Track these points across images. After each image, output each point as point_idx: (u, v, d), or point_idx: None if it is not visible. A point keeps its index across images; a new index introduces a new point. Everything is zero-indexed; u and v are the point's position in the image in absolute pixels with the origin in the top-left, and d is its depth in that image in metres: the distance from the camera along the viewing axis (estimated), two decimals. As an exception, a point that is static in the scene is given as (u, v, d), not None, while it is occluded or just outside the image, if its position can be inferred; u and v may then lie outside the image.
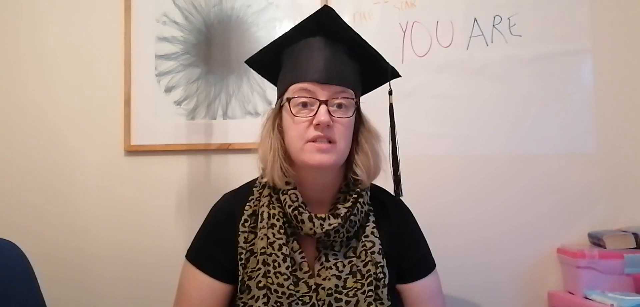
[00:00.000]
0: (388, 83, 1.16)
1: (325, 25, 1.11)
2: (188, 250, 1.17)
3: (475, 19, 1.74)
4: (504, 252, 1.69)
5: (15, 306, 1.16)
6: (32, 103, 1.75)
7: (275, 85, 1.19)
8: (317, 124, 1.05)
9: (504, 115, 1.72)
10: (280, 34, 1.15)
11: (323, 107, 1.06)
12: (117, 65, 1.73)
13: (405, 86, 1.61)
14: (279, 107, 1.13)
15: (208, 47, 1.74)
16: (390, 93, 1.17)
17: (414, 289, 1.17)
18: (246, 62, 1.21)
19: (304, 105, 1.07)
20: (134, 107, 1.72)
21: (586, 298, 1.51)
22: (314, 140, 1.06)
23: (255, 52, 1.20)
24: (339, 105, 1.08)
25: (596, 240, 1.63)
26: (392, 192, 1.19)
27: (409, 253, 1.18)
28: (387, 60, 1.17)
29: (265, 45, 1.17)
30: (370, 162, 1.12)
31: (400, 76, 1.19)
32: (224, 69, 1.73)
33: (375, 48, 1.15)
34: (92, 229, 1.72)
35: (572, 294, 1.59)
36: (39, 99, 1.75)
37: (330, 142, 1.07)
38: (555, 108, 1.72)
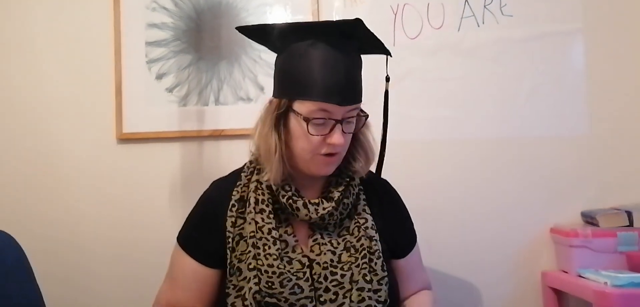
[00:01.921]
0: (385, 68, 1.17)
1: (353, 36, 1.09)
2: (179, 232, 1.19)
3: (466, 0, 1.73)
4: (497, 233, 1.70)
5: (12, 296, 1.16)
6: (21, 93, 1.73)
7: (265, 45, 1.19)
8: (331, 143, 1.07)
9: (495, 97, 1.72)
10: (292, 22, 1.12)
11: (339, 128, 1.07)
12: (107, 53, 1.72)
13: (397, 70, 1.61)
14: (286, 108, 1.10)
15: (198, 33, 1.73)
16: (387, 79, 1.17)
17: (408, 262, 1.22)
18: (240, 28, 1.19)
19: (319, 124, 1.07)
20: (125, 94, 1.71)
21: (580, 276, 1.52)
22: (325, 154, 1.08)
23: (245, 36, 1.21)
24: (350, 121, 1.10)
25: (589, 219, 1.64)
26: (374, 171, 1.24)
27: (398, 230, 1.22)
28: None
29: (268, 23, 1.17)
30: (369, 156, 1.17)
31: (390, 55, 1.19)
32: (214, 55, 1.72)
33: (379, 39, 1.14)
34: (85, 217, 1.71)
35: (566, 272, 1.60)
36: (28, 88, 1.73)
37: (338, 153, 1.10)
38: (547, 89, 1.72)
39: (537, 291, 1.69)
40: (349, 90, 1.07)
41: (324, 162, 1.09)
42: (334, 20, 1.08)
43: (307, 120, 1.06)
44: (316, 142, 1.07)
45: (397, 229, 1.21)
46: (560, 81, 1.72)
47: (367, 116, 1.15)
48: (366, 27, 1.08)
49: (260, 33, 1.19)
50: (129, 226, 1.71)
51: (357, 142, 1.16)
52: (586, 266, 1.53)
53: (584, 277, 1.50)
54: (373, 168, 1.24)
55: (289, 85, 1.09)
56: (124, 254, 1.71)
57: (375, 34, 1.12)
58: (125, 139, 1.71)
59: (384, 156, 1.24)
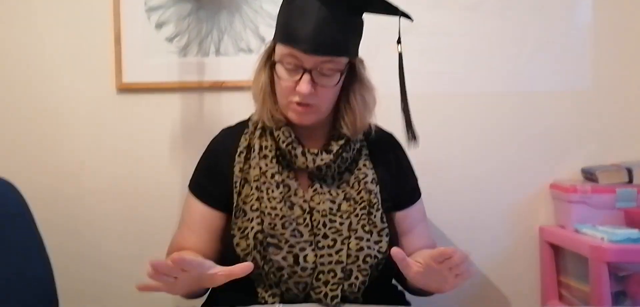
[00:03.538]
0: (397, 32, 1.13)
1: None
2: (190, 180, 1.22)
3: (471, -47, 1.69)
4: (497, 188, 1.71)
5: (13, 243, 1.17)
6: (20, 43, 1.71)
7: None
8: (298, 91, 1.07)
9: (498, 52, 1.70)
10: None
11: (306, 77, 1.06)
12: (106, 0, 1.68)
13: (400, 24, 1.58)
14: (273, 46, 1.13)
15: (198, -19, 1.70)
16: (398, 41, 1.15)
17: (408, 214, 1.22)
18: None
19: (289, 69, 1.08)
20: (124, 44, 1.68)
21: (577, 232, 1.53)
22: (298, 103, 1.09)
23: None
24: (327, 74, 1.08)
25: (589, 175, 1.64)
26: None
27: (401, 184, 1.22)
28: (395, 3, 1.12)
29: None
30: (356, 120, 1.14)
31: (411, 20, 1.14)
32: (215, 4, 1.69)
33: None
34: (86, 166, 1.72)
35: (563, 228, 1.61)
36: (28, 38, 1.71)
37: (312, 104, 1.09)
38: (551, 44, 1.69)
39: (534, 245, 1.71)
40: (321, 40, 1.04)
41: (296, 111, 1.10)
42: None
43: (277, 62, 1.09)
44: (285, 88, 1.09)
45: (399, 182, 1.21)
46: (565, 36, 1.69)
47: (358, 75, 1.13)
48: None
49: None
50: (130, 175, 1.72)
51: (346, 101, 1.15)
52: (584, 221, 1.54)
53: (581, 233, 1.52)
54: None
55: (276, 28, 1.13)
56: (125, 203, 1.72)
57: None
58: (125, 89, 1.70)
59: (409, 120, 1.14)
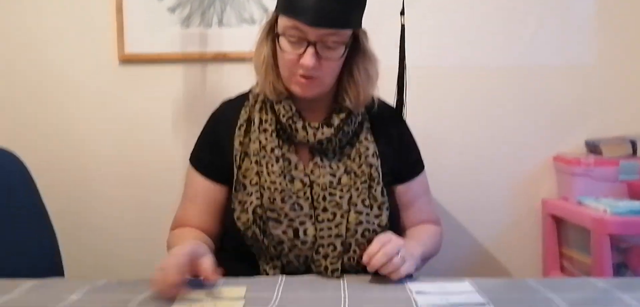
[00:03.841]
0: (401, 3, 1.12)
1: None
2: (191, 153, 1.21)
3: None
4: (501, 160, 1.70)
5: (17, 212, 1.18)
6: (22, 12, 1.70)
7: None
8: (302, 64, 1.05)
9: (502, 26, 1.68)
10: None
11: (310, 50, 1.04)
12: (106, -30, 1.68)
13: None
14: (275, 17, 1.11)
15: (200, -49, 1.67)
16: (402, 13, 1.12)
17: (409, 188, 1.21)
18: None
19: (293, 41, 1.06)
20: (126, 15, 1.67)
21: (579, 204, 1.54)
22: (301, 76, 1.07)
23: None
24: (331, 47, 1.06)
25: (593, 147, 1.63)
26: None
27: (404, 156, 1.21)
28: None
29: None
30: (359, 92, 1.13)
31: None
32: (217, -26, 1.67)
33: None
34: (90, 138, 1.73)
35: (566, 200, 1.61)
36: (29, 7, 1.70)
37: (315, 77, 1.07)
38: (556, 18, 1.68)
39: (537, 218, 1.71)
40: (325, 12, 1.02)
41: (299, 84, 1.08)
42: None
43: (280, 35, 1.07)
44: (289, 61, 1.07)
45: (400, 156, 1.20)
46: (569, 10, 1.68)
47: (361, 47, 1.12)
48: None
49: None
50: (134, 146, 1.72)
51: (349, 73, 1.13)
52: (587, 193, 1.54)
53: (583, 205, 1.52)
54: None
55: None
56: (127, 172, 1.73)
57: None
58: (127, 60, 1.69)
59: (403, 92, 1.21)
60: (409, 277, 0.99)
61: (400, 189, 1.20)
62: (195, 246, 0.95)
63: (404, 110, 1.24)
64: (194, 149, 1.21)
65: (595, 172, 1.55)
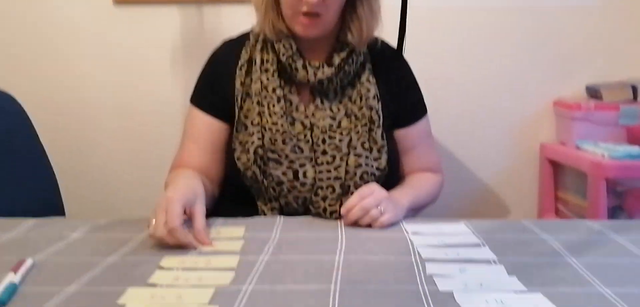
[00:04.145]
0: None
1: None
2: (191, 94, 1.19)
3: None
4: (500, 103, 1.70)
5: (16, 155, 1.19)
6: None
7: None
8: (306, 1, 1.02)
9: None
10: None
11: None
12: None
13: None
14: None
15: None
16: None
17: (408, 133, 1.20)
18: None
19: None
20: (120, -46, 1.63)
21: (578, 148, 1.54)
22: (305, 14, 1.04)
23: None
24: None
25: (593, 92, 1.63)
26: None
27: (405, 99, 1.19)
28: None
29: None
30: (363, 29, 1.10)
31: None
32: None
33: None
34: (87, 80, 1.71)
35: (565, 144, 1.61)
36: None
37: (319, 14, 1.05)
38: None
39: (535, 162, 1.72)
40: None
41: (303, 22, 1.06)
42: None
43: None
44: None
45: (401, 99, 1.18)
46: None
47: None
48: None
49: None
50: (130, 88, 1.72)
51: (353, 11, 1.11)
52: (586, 138, 1.55)
53: (582, 149, 1.52)
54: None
55: None
56: (126, 114, 1.73)
57: None
58: (122, 2, 1.66)
59: (404, 32, 1.20)
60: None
61: (400, 134, 1.19)
62: (188, 189, 0.91)
63: (404, 49, 1.22)
64: (194, 89, 1.19)
65: (595, 116, 1.55)
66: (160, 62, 1.69)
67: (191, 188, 0.92)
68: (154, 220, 0.84)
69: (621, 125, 1.56)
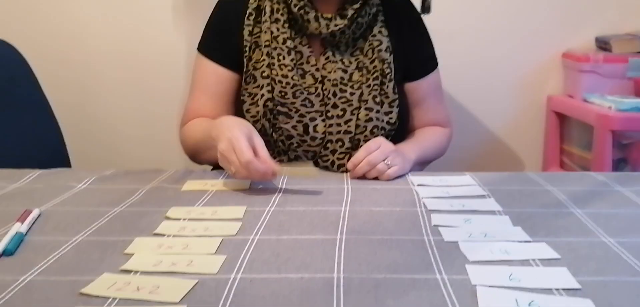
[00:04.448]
0: None
1: None
2: (198, 43, 1.17)
3: None
4: (509, 55, 1.68)
5: (19, 104, 1.18)
6: None
7: None
8: None
9: None
10: None
11: None
12: None
13: None
14: None
15: None
16: None
17: (419, 86, 1.18)
18: None
19: None
20: None
21: (585, 101, 1.53)
22: None
23: None
24: None
25: (603, 44, 1.60)
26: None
27: (417, 52, 1.17)
28: None
29: None
30: None
31: None
32: None
33: None
34: (90, 30, 1.69)
35: (572, 97, 1.60)
36: None
37: None
38: None
39: (541, 114, 1.71)
40: None
41: None
42: None
43: None
44: None
45: (413, 52, 1.16)
46: None
47: None
48: None
49: None
50: (134, 37, 1.68)
51: None
52: (594, 91, 1.53)
53: (589, 102, 1.51)
54: None
55: None
56: (130, 66, 1.70)
57: None
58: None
59: None
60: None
61: (410, 87, 1.17)
62: (241, 124, 0.91)
63: (429, 9, 1.16)
64: (202, 38, 1.16)
65: (603, 68, 1.53)
66: (163, 11, 1.66)
67: (242, 123, 0.92)
68: (231, 167, 0.86)
69: (629, 78, 1.53)
